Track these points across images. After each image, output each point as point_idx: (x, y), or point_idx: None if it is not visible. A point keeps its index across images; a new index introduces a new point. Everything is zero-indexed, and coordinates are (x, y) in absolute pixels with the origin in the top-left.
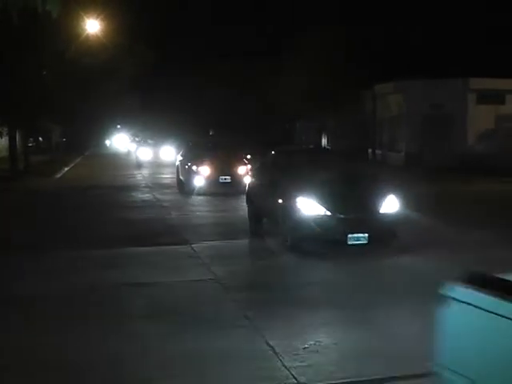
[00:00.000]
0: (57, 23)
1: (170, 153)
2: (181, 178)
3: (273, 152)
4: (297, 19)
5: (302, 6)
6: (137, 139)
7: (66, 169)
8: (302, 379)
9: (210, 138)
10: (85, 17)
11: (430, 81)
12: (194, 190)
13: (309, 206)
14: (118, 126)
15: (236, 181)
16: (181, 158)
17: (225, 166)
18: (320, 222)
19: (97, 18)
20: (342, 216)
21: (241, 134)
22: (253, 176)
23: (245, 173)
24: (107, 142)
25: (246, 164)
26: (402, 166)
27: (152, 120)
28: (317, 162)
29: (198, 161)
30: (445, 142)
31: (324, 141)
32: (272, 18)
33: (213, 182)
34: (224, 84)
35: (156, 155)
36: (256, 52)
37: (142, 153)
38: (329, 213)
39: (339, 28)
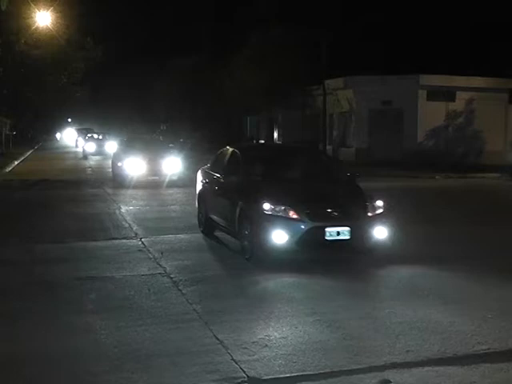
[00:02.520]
0: (6, 14)
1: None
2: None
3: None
4: (250, 16)
5: (255, 3)
6: (86, 134)
7: (16, 162)
8: (252, 373)
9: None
10: (35, 8)
11: (381, 77)
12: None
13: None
14: (69, 120)
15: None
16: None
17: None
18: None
19: (47, 10)
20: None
21: (193, 127)
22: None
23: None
24: (57, 136)
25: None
26: (352, 161)
27: (102, 115)
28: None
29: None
30: (395, 137)
31: (275, 135)
32: (226, 14)
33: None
34: (176, 78)
35: (101, 149)
36: (209, 47)
37: (88, 146)
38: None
39: (291, 24)
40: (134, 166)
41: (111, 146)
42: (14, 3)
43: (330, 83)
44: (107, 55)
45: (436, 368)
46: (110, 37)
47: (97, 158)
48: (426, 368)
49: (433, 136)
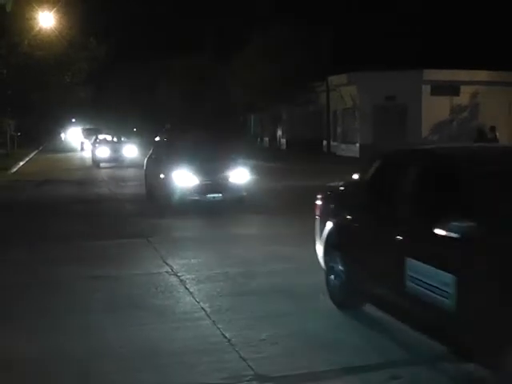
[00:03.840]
0: (10, 16)
1: (133, 151)
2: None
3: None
4: (254, 13)
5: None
6: (96, 136)
7: (22, 163)
8: (260, 370)
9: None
10: (39, 10)
11: (384, 72)
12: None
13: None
14: (73, 120)
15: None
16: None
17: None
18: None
19: (50, 11)
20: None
21: (197, 125)
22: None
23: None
24: (62, 136)
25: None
26: (356, 157)
27: (106, 114)
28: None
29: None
30: (399, 133)
31: (279, 132)
32: (229, 12)
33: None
34: (179, 77)
35: (117, 155)
36: (212, 46)
37: (100, 151)
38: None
39: (294, 21)
40: (186, 180)
41: (130, 150)
42: (17, 5)
43: (333, 79)
44: (110, 54)
45: (447, 364)
46: (112, 35)
47: (111, 165)
48: (438, 364)
49: (437, 131)
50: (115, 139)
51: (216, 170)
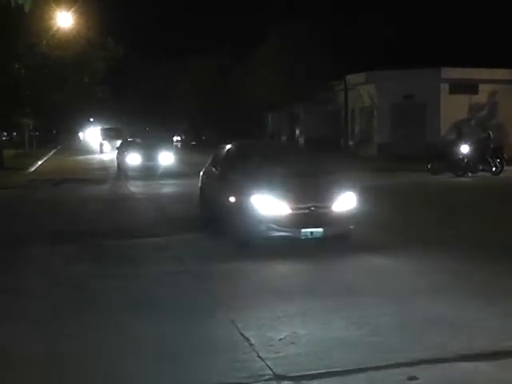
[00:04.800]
0: (29, 16)
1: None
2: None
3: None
4: (271, 11)
5: None
6: (124, 139)
7: (40, 162)
8: (278, 370)
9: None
10: (57, 10)
11: (402, 71)
12: None
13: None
14: (91, 120)
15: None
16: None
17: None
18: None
19: (68, 11)
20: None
21: (214, 124)
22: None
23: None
24: (80, 135)
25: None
26: (374, 156)
27: (122, 114)
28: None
29: None
30: (418, 132)
31: (297, 132)
32: (247, 10)
33: None
34: (197, 76)
35: (152, 163)
36: (229, 44)
37: (131, 159)
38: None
39: (312, 20)
40: (270, 207)
41: (166, 158)
42: (36, 5)
43: (351, 78)
44: (125, 54)
45: (463, 364)
46: (128, 35)
47: (144, 176)
48: (453, 364)
49: (456, 129)
50: (148, 141)
51: (314, 194)
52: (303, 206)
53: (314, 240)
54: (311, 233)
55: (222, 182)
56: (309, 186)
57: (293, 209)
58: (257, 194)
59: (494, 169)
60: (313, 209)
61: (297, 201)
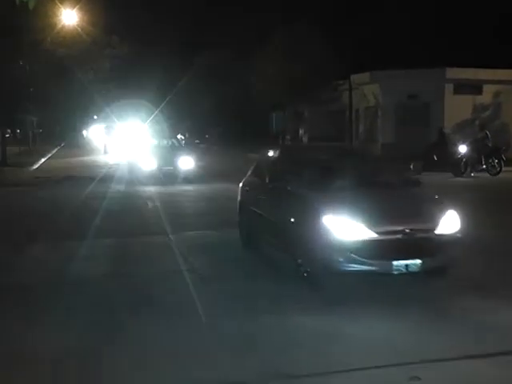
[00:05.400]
0: (33, 13)
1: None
2: None
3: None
4: (276, 11)
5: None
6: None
7: (43, 160)
8: (283, 371)
9: None
10: (61, 7)
11: (407, 71)
12: None
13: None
14: (95, 117)
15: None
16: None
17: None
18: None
19: (73, 8)
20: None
21: (218, 123)
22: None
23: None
24: (84, 133)
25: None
26: (378, 156)
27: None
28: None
29: None
30: (422, 131)
31: (300, 131)
32: (253, 10)
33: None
34: (202, 74)
35: (172, 168)
36: (234, 43)
37: (147, 162)
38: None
39: (317, 19)
40: (350, 234)
41: (186, 162)
42: (40, 2)
43: (356, 78)
44: (131, 52)
45: (468, 365)
46: (132, 33)
47: (160, 184)
48: (458, 365)
49: (460, 129)
50: (165, 142)
51: (409, 213)
52: (395, 229)
53: (407, 276)
54: (406, 266)
55: (276, 196)
56: (398, 202)
57: (380, 233)
58: (331, 213)
59: (492, 169)
60: (409, 233)
61: (385, 222)
